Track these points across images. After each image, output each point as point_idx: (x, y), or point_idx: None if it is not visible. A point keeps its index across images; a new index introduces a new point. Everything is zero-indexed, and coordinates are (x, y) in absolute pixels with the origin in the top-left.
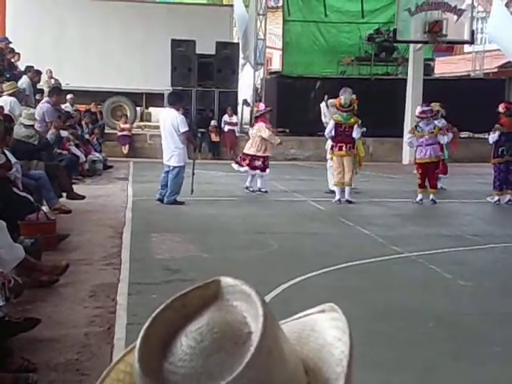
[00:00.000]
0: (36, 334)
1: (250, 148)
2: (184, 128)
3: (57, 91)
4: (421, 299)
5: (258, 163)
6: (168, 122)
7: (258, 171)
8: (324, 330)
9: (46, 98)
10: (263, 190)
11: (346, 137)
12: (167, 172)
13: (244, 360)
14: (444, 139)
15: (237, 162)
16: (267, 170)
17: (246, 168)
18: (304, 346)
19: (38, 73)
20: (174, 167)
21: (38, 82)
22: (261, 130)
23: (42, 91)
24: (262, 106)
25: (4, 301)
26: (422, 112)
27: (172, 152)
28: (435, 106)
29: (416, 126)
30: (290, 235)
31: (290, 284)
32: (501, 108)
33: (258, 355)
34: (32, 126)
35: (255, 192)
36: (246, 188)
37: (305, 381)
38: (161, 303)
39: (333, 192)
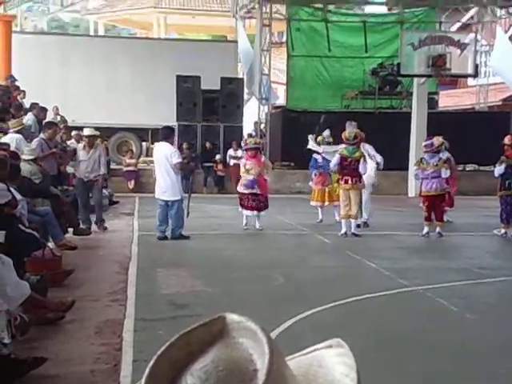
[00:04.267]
0: (43, 372)
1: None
2: (177, 159)
3: (48, 125)
4: (428, 332)
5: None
6: (162, 155)
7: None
8: (332, 366)
9: (40, 135)
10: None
11: (352, 170)
12: (162, 206)
13: None
14: (447, 173)
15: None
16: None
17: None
18: (312, 383)
19: (44, 110)
20: (174, 201)
21: (44, 118)
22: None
23: None
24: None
25: (10, 338)
26: (424, 146)
27: (167, 186)
28: (437, 139)
29: (422, 159)
30: (295, 269)
31: (297, 319)
32: (507, 140)
33: None
34: (36, 162)
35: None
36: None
37: None
38: (167, 340)
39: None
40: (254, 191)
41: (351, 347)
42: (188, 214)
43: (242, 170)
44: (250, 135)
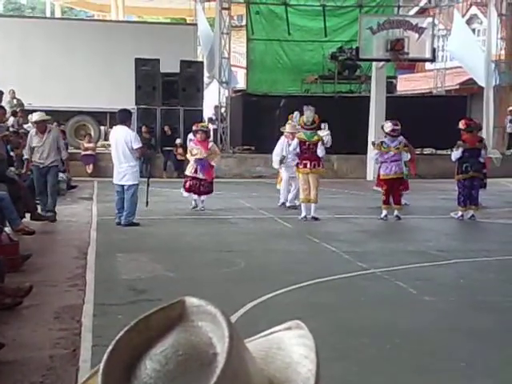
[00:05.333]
0: (0, 358)
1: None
2: (138, 144)
3: None
4: (387, 315)
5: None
6: (121, 139)
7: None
8: (290, 348)
9: None
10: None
11: (311, 154)
12: (120, 193)
13: (210, 382)
14: (407, 156)
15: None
16: None
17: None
18: (270, 365)
19: (0, 93)
20: (130, 186)
21: (0, 102)
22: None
23: None
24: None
25: None
26: (393, 130)
27: (126, 170)
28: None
29: (382, 143)
30: (256, 253)
31: (258, 302)
32: (461, 125)
33: (224, 377)
34: None
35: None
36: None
37: None
38: (126, 324)
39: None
40: (198, 176)
41: (310, 330)
42: (147, 203)
43: (188, 154)
44: (210, 119)
